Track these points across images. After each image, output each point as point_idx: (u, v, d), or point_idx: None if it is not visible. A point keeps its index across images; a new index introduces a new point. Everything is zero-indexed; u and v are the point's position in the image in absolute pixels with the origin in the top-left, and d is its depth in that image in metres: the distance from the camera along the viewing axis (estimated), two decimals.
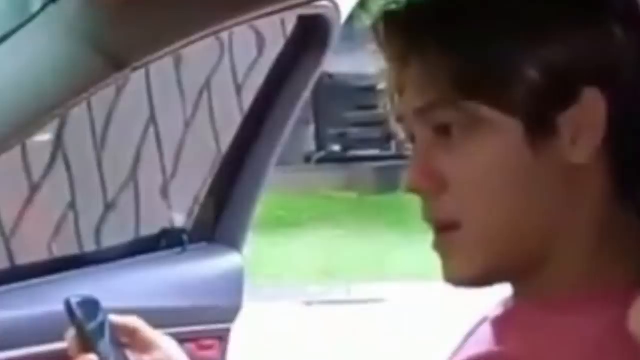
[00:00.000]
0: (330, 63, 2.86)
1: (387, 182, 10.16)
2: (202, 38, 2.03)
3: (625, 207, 1.53)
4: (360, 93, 10.17)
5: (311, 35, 2.78)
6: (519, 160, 1.49)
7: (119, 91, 2.93)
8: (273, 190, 3.03)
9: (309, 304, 8.47)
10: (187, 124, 3.13)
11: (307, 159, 11.95)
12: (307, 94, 2.93)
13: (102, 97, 2.80)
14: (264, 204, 3.02)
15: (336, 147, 12.20)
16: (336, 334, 7.59)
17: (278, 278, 8.52)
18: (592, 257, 1.51)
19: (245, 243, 2.95)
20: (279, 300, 7.85)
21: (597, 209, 1.52)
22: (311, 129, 11.78)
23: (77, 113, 2.86)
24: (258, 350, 4.24)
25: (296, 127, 2.98)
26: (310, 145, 12.04)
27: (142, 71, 2.37)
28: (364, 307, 8.28)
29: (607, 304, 1.41)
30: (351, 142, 11.98)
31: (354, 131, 11.75)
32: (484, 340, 1.57)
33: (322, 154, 12.24)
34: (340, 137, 12.09)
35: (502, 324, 1.57)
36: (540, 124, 1.48)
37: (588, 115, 1.47)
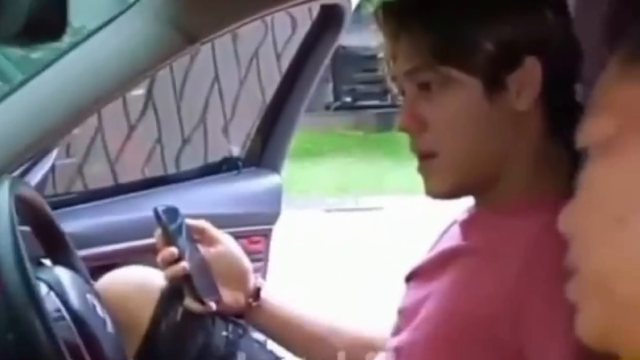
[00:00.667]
0: (343, 38, 2.84)
1: (384, 124, 10.09)
2: (253, 20, 2.01)
3: (555, 141, 1.53)
4: (365, 60, 10.11)
5: (330, 18, 2.75)
6: (479, 108, 1.50)
7: (192, 59, 2.93)
8: (302, 130, 2.99)
9: (328, 211, 8.42)
10: (241, 82, 3.12)
11: (327, 107, 11.87)
12: (327, 61, 2.90)
13: (180, 63, 2.80)
14: (296, 139, 2.99)
15: (348, 99, 12.11)
16: (348, 233, 7.55)
17: (306, 192, 8.45)
18: (532, 176, 1.52)
19: (283, 168, 2.93)
20: (306, 208, 7.78)
21: (535, 142, 1.52)
22: (330, 86, 11.70)
23: (162, 75, 2.85)
24: (291, 243, 4.22)
25: (319, 84, 2.96)
26: (329, 97, 11.96)
27: (209, 44, 2.35)
28: (368, 213, 8.23)
29: (543, 211, 1.39)
30: (359, 95, 11.90)
31: (361, 87, 11.66)
32: (454, 237, 1.60)
33: (337, 103, 12.15)
34: (351, 91, 12.02)
35: (467, 225, 1.59)
36: (494, 82, 1.49)
37: (528, 76, 1.48)
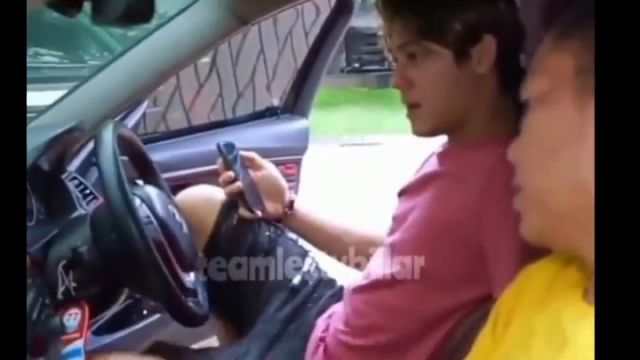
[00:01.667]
0: (353, 21, 2.79)
1: (383, 83, 10.04)
2: (288, 8, 1.97)
3: (506, 96, 1.51)
4: (369, 37, 10.04)
5: (344, 6, 2.71)
6: (450, 71, 1.47)
7: (244, 36, 2.88)
8: (323, 87, 2.95)
9: (342, 145, 8.38)
10: (280, 53, 3.08)
11: (341, 70, 11.78)
12: (341, 37, 2.86)
13: (235, 39, 2.76)
14: (318, 94, 2.95)
15: (356, 64, 12.01)
16: (357, 160, 7.53)
17: (325, 132, 8.41)
18: (489, 121, 1.50)
19: (309, 114, 2.89)
20: (327, 144, 7.76)
21: (492, 96, 1.50)
22: (343, 55, 11.61)
23: (223, 48, 2.82)
24: (317, 168, 4.20)
25: (335, 54, 2.92)
26: (343, 63, 11.88)
27: (256, 25, 2.30)
28: (372, 147, 8.19)
29: (498, 145, 1.32)
30: (364, 62, 11.80)
31: (366, 56, 11.56)
32: (433, 163, 1.58)
33: (349, 68, 12.06)
34: (359, 59, 11.90)
35: (441, 155, 1.57)
36: (461, 53, 1.47)
37: (486, 49, 1.46)
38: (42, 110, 1.96)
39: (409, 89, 1.50)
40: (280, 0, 1.95)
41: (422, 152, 1.68)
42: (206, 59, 2.96)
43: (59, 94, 2.02)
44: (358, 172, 6.91)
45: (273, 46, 3.06)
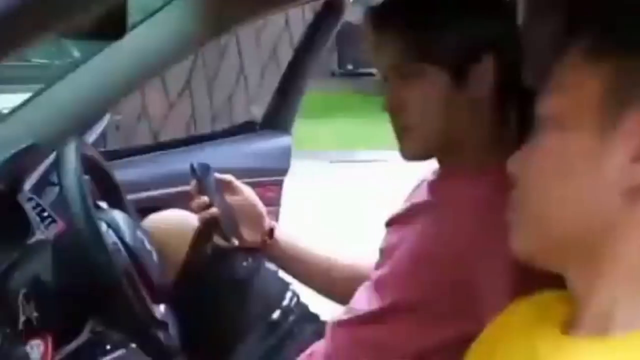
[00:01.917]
0: (348, 14, 2.90)
1: (380, 88, 10.08)
2: (268, 15, 2.09)
3: (504, 122, 1.64)
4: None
5: (333, 4, 2.83)
6: (445, 94, 1.59)
7: (221, 55, 2.96)
8: (311, 92, 3.03)
9: (331, 162, 8.40)
10: (262, 74, 3.17)
11: (332, 74, 11.72)
12: (329, 40, 2.96)
13: (211, 57, 2.84)
14: (306, 100, 3.03)
15: (350, 67, 11.94)
16: (350, 181, 7.55)
17: (313, 146, 8.40)
18: (484, 149, 1.62)
19: (292, 129, 2.97)
20: (313, 160, 7.75)
21: (488, 122, 1.63)
22: (335, 56, 11.55)
23: (199, 61, 2.91)
24: (301, 189, 4.26)
25: (326, 54, 2.98)
26: (334, 65, 11.82)
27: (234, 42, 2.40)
28: (365, 165, 8.21)
29: (491, 175, 1.48)
30: (359, 64, 11.69)
31: (361, 56, 11.46)
32: (423, 193, 1.70)
33: (341, 70, 12.01)
34: (353, 60, 11.83)
35: (432, 184, 1.69)
36: (457, 75, 1.58)
37: (484, 70, 1.58)
38: None
39: (401, 112, 1.63)
40: (262, 6, 2.07)
41: (422, 172, 1.79)
42: (185, 64, 3.01)
43: (6, 97, 2.10)
44: (348, 194, 6.98)
45: (255, 64, 3.11)
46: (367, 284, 1.74)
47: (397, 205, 1.80)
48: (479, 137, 1.63)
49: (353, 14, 2.83)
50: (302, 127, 3.06)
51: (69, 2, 0.79)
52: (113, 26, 1.39)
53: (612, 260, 1.00)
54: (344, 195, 6.96)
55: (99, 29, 1.38)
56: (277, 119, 2.98)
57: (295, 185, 3.10)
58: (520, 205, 1.08)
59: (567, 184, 1.01)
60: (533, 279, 1.11)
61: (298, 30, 3.04)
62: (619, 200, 0.98)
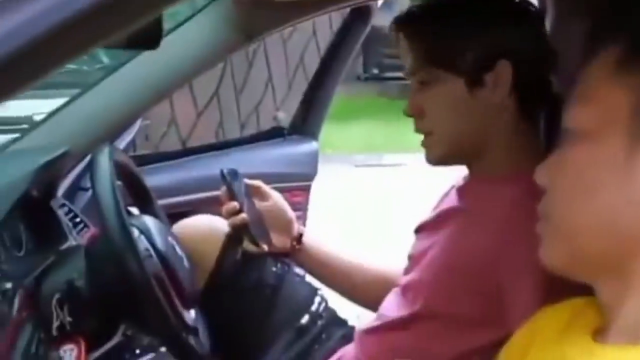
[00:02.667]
0: (374, 19, 2.88)
1: (405, 92, 10.00)
2: (297, 23, 2.10)
3: (527, 126, 1.65)
4: (390, 37, 9.99)
5: (361, 11, 2.81)
6: (463, 100, 1.61)
7: (250, 64, 2.96)
8: (336, 96, 3.02)
9: (357, 166, 8.39)
10: (289, 83, 3.17)
11: (358, 78, 11.69)
12: (357, 47, 2.97)
13: (240, 65, 2.85)
14: (332, 104, 3.02)
15: (375, 71, 11.88)
16: (374, 185, 7.54)
17: (339, 150, 8.39)
18: (508, 153, 1.63)
19: (320, 135, 2.98)
20: (339, 163, 7.75)
21: (509, 128, 1.63)
22: (360, 60, 11.53)
23: (227, 70, 2.91)
24: (328, 192, 4.24)
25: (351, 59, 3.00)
26: (360, 69, 11.80)
27: (262, 51, 2.41)
28: (391, 169, 8.20)
29: (518, 181, 1.52)
30: (384, 68, 11.61)
31: (387, 61, 11.41)
32: (452, 199, 1.71)
33: (367, 74, 11.97)
34: (378, 64, 11.75)
35: (461, 191, 1.70)
36: (475, 81, 1.60)
37: (501, 76, 1.59)
38: (21, 128, 2.10)
39: (421, 116, 1.66)
40: (290, 15, 2.07)
41: (448, 177, 1.80)
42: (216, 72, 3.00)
43: (27, 102, 2.14)
44: (374, 198, 6.96)
45: (282, 73, 3.11)
46: (396, 290, 1.76)
47: (421, 208, 1.81)
48: (506, 143, 1.64)
49: (379, 18, 2.84)
50: (327, 130, 3.05)
51: (108, 22, 0.79)
52: (149, 36, 1.41)
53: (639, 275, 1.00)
54: (369, 199, 6.94)
55: (135, 38, 1.40)
56: (304, 124, 2.99)
57: (321, 188, 3.08)
58: (548, 217, 1.08)
59: (596, 198, 1.00)
60: (562, 286, 1.10)
61: (325, 39, 3.04)
62: None
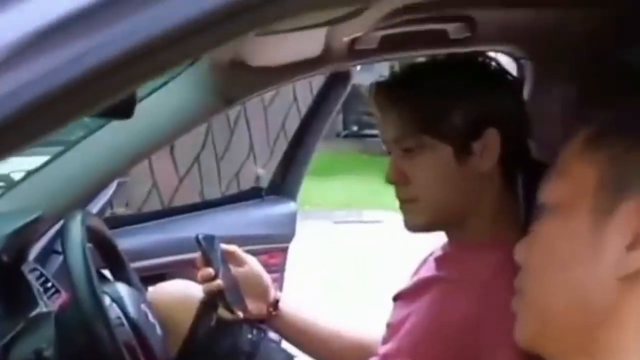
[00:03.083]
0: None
1: (384, 150, 10.03)
2: (277, 88, 2.08)
3: (511, 194, 1.63)
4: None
5: (339, 76, 2.83)
6: (450, 167, 1.58)
7: (232, 132, 2.95)
8: (316, 153, 3.03)
9: (336, 222, 8.39)
10: (269, 144, 3.17)
11: (337, 135, 11.76)
12: (336, 109, 2.99)
13: (221, 134, 2.83)
14: (313, 160, 3.02)
15: (355, 128, 11.99)
16: (353, 241, 7.53)
17: (318, 206, 8.40)
18: (490, 221, 1.60)
19: (298, 195, 2.97)
20: (319, 219, 7.75)
21: (494, 196, 1.61)
22: (340, 117, 11.61)
23: (209, 137, 2.89)
24: (306, 249, 4.21)
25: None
26: (339, 126, 11.88)
27: (244, 120, 2.40)
28: (370, 225, 8.19)
29: (499, 249, 1.49)
30: (364, 125, 11.72)
31: (366, 118, 11.51)
32: (431, 268, 1.67)
33: (346, 131, 12.04)
34: (358, 121, 11.86)
35: (440, 259, 1.67)
36: (461, 148, 1.57)
37: (489, 144, 1.56)
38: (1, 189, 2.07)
39: (404, 184, 1.62)
40: (267, 80, 2.04)
41: (427, 236, 1.75)
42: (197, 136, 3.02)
43: (16, 160, 2.11)
44: (354, 255, 6.94)
45: (264, 141, 3.12)
46: (374, 359, 1.70)
47: (400, 266, 1.77)
48: (489, 210, 1.62)
49: (358, 77, 2.84)
50: (307, 186, 3.05)
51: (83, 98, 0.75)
52: (122, 107, 1.38)
53: (609, 349, 0.98)
54: (348, 256, 6.92)
55: (107, 108, 1.37)
56: (283, 184, 2.98)
57: (300, 246, 3.06)
58: (521, 292, 1.07)
59: (566, 272, 1.00)
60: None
61: (306, 104, 3.02)
62: (617, 288, 0.96)
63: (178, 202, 3.06)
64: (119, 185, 2.79)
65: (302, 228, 2.98)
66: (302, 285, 3.04)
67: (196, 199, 3.10)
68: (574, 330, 1.00)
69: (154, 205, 2.97)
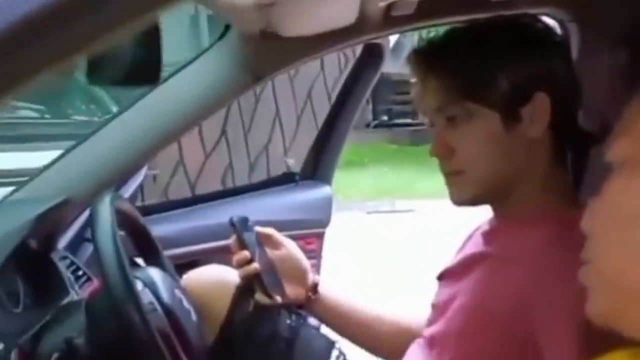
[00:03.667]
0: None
1: (415, 139, 10.03)
2: (308, 61, 2.00)
3: (561, 164, 1.56)
4: (399, 84, 10.04)
5: (373, 53, 2.76)
6: (497, 136, 1.51)
7: (257, 99, 2.93)
8: (348, 144, 3.00)
9: (369, 213, 8.40)
10: (298, 118, 3.14)
11: (367, 125, 11.78)
12: (369, 90, 2.92)
13: (247, 101, 2.81)
14: (344, 151, 2.97)
15: (385, 117, 12.00)
16: (386, 230, 7.53)
17: (349, 197, 8.44)
18: (541, 193, 1.54)
19: (333, 180, 2.92)
20: (352, 210, 7.77)
21: (545, 164, 1.54)
22: (370, 107, 11.63)
23: (233, 111, 2.87)
24: (341, 239, 4.20)
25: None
26: (369, 116, 11.90)
27: (269, 86, 2.35)
28: (403, 215, 8.20)
29: (549, 222, 1.45)
30: (394, 115, 11.76)
31: (396, 108, 11.53)
32: (477, 243, 1.62)
33: (376, 122, 12.07)
34: (388, 111, 11.87)
35: (487, 234, 1.61)
36: (509, 115, 1.50)
37: (538, 109, 1.50)
38: (23, 180, 2.01)
39: (450, 156, 1.55)
40: (299, 52, 1.96)
41: (462, 221, 1.73)
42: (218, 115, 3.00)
43: (39, 154, 2.06)
44: (388, 245, 6.91)
45: (291, 109, 3.10)
46: (419, 341, 1.66)
47: (434, 253, 1.70)
48: (539, 181, 1.54)
49: (387, 65, 2.78)
50: (338, 177, 3.02)
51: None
52: (148, 72, 1.32)
53: None
54: (382, 246, 6.90)
55: (133, 74, 1.30)
56: (316, 170, 2.92)
57: (334, 235, 3.01)
58: (591, 263, 0.99)
59: (635, 229, 0.94)
60: (602, 334, 0.99)
61: (333, 73, 2.97)
62: None
63: (206, 176, 3.00)
64: (147, 177, 2.75)
65: (335, 219, 2.93)
66: (338, 276, 2.97)
67: (224, 173, 3.04)
68: None
69: (181, 182, 2.91)
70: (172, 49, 2.03)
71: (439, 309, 1.61)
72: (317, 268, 2.70)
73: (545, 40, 1.58)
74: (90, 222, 1.62)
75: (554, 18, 1.83)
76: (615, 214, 0.96)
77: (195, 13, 9.76)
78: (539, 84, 1.50)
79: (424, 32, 2.18)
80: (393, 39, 2.77)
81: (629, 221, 0.94)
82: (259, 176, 3.08)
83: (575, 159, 1.61)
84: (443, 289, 1.64)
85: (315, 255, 2.75)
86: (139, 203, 2.72)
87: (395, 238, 7.17)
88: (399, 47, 3.33)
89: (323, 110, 3.00)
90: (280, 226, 2.06)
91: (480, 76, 1.51)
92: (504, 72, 1.50)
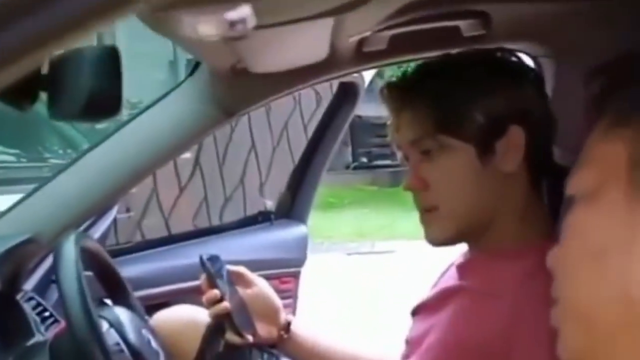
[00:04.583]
0: (359, 109, 2.84)
1: (395, 180, 10.07)
2: (280, 97, 1.97)
3: (537, 197, 1.54)
4: (378, 127, 10.04)
5: (348, 91, 2.75)
6: (472, 169, 1.48)
7: (232, 130, 2.92)
8: (326, 186, 2.99)
9: (349, 254, 8.37)
10: (274, 149, 3.13)
11: (347, 167, 11.82)
12: (345, 128, 2.90)
13: (222, 132, 2.79)
14: (321, 193, 2.98)
15: (364, 159, 12.05)
16: (366, 272, 7.50)
17: (329, 238, 8.41)
18: (517, 226, 1.51)
19: (308, 219, 2.91)
20: (332, 252, 7.76)
21: (521, 198, 1.51)
22: (349, 149, 11.69)
23: (207, 142, 2.86)
24: (317, 282, 4.18)
25: (340, 148, 2.98)
26: (349, 158, 11.95)
27: (245, 116, 2.33)
28: (383, 256, 8.18)
29: (527, 256, 1.41)
30: (373, 156, 11.83)
31: (375, 150, 11.60)
32: (452, 277, 1.58)
33: (355, 163, 12.10)
34: (367, 153, 11.93)
35: (462, 268, 1.58)
36: (484, 148, 1.48)
37: (513, 142, 1.47)
38: None
39: (424, 190, 1.51)
40: (270, 89, 1.93)
41: (442, 261, 1.68)
42: (187, 155, 3.00)
43: (15, 197, 2.03)
44: (367, 286, 6.88)
45: (267, 141, 3.10)
46: None
47: (413, 294, 1.69)
48: (512, 214, 1.51)
49: (365, 109, 2.77)
50: (318, 219, 2.99)
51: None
52: (108, 104, 1.28)
53: None
54: (362, 287, 6.88)
55: (93, 108, 1.26)
56: (292, 208, 2.91)
57: (313, 277, 3.00)
58: (560, 302, 0.95)
59: (602, 264, 0.88)
60: None
61: (309, 106, 2.97)
62: None
63: (180, 208, 2.99)
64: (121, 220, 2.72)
65: (316, 261, 2.93)
66: (318, 316, 2.95)
67: (199, 209, 3.04)
68: (625, 334, 0.88)
69: (155, 212, 2.89)
70: (150, 93, 2.00)
71: (413, 343, 1.57)
72: (293, 308, 2.69)
73: (520, 73, 1.56)
74: (54, 261, 1.58)
75: (527, 54, 1.81)
76: (582, 249, 0.91)
77: (173, 59, 9.77)
78: (513, 117, 1.47)
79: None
80: (368, 78, 2.75)
81: (597, 254, 0.89)
82: (235, 209, 3.06)
83: (551, 191, 1.58)
84: (417, 324, 1.59)
85: (291, 294, 2.73)
86: (113, 243, 2.68)
87: (375, 279, 7.14)
88: (374, 88, 3.32)
89: (299, 142, 2.98)
90: (256, 265, 2.03)
91: (455, 109, 1.48)
92: (479, 105, 1.48)
